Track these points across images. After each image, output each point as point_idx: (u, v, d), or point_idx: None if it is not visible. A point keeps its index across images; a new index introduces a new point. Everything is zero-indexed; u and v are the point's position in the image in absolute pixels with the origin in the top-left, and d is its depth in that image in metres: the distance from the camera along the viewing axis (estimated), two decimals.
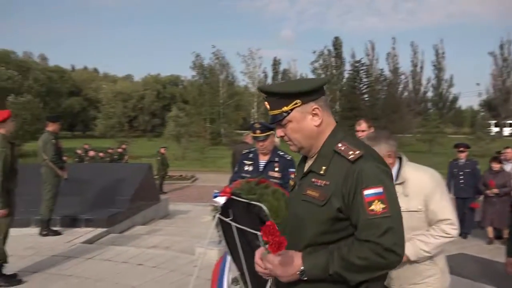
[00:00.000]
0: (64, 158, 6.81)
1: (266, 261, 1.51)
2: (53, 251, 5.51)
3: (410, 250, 2.19)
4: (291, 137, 1.58)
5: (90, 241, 6.12)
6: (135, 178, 8.27)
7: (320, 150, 1.56)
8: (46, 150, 6.24)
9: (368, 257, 1.37)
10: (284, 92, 1.54)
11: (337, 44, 50.87)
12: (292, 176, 3.31)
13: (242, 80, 55.58)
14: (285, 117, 1.54)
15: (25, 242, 5.76)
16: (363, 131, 4.38)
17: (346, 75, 50.33)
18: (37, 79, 34.54)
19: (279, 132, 1.60)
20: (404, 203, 2.23)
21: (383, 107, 42.60)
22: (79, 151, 16.49)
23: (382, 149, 2.23)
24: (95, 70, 75.55)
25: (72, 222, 6.77)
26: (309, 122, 1.54)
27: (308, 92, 1.53)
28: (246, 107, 46.12)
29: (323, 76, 45.99)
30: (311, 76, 47.04)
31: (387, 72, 49.93)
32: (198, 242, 5.65)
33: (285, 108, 1.53)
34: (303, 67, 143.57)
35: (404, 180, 2.27)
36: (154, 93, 56.79)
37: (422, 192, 2.23)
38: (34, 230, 6.38)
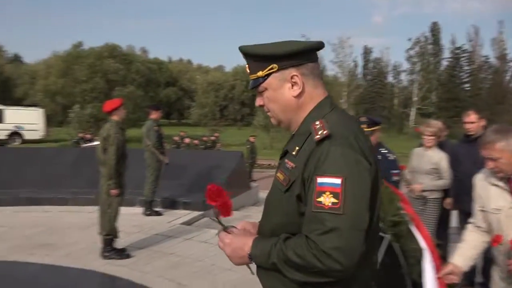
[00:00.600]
0: (165, 144, 7.28)
1: (219, 239, 1.40)
2: (155, 230, 5.95)
3: None
4: (268, 107, 1.39)
5: (187, 223, 6.50)
6: (228, 165, 8.58)
7: (300, 126, 1.35)
8: (149, 137, 6.73)
9: (304, 255, 1.16)
10: (258, 54, 1.34)
11: (435, 29, 47.66)
12: (395, 177, 3.20)
13: (331, 70, 54.45)
14: (261, 83, 1.35)
15: (131, 220, 6.29)
16: (472, 122, 4.05)
17: (444, 63, 47.01)
18: (139, 71, 37.23)
19: (258, 100, 1.41)
20: None
21: (487, 97, 39.12)
22: (176, 138, 17.51)
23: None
24: (189, 62, 79.39)
25: (172, 204, 7.25)
26: (287, 92, 1.33)
27: (286, 56, 1.30)
28: (335, 97, 45.22)
29: (419, 64, 43.39)
30: (406, 65, 44.69)
31: (492, 59, 45.65)
32: None
33: (260, 73, 1.34)
34: (397, 55, 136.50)
35: None
36: (243, 83, 58.11)
37: None
38: (139, 210, 6.94)
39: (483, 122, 4.09)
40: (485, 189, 2.19)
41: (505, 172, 2.07)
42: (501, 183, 2.11)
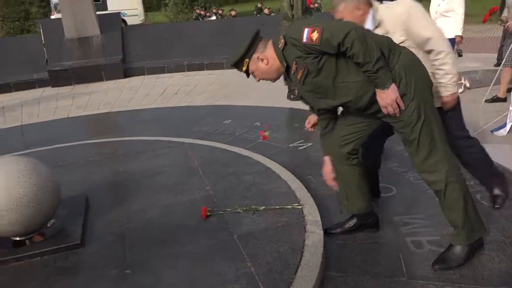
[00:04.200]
0: None
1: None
2: None
3: None
4: (261, 77, 2.18)
5: None
6: None
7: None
8: None
9: (353, 52, 1.91)
10: (234, 63, 2.15)
11: None
12: None
13: None
14: (248, 72, 2.17)
15: None
16: None
17: None
18: None
19: (255, 79, 2.20)
20: None
21: None
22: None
23: (351, 2, 2.28)
24: None
25: None
26: (263, 66, 2.11)
27: (246, 52, 2.10)
28: None
29: None
30: None
31: None
32: None
33: (244, 69, 2.15)
34: None
35: (379, 22, 2.31)
36: None
37: (398, 22, 2.27)
38: None
39: None
40: None
41: None
42: None
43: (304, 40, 1.93)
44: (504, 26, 4.77)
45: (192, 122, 4.94)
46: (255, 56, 2.12)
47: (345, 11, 2.35)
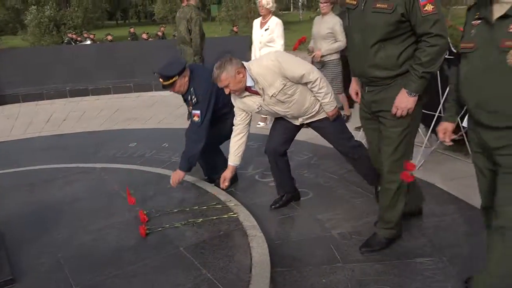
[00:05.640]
0: None
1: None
2: None
3: None
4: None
5: None
6: None
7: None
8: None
9: (430, 51, 2.01)
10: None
11: None
12: (196, 118, 3.11)
13: None
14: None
15: None
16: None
17: None
18: None
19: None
20: (268, 97, 2.69)
21: None
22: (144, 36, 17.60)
23: (231, 70, 2.60)
24: None
25: None
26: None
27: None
28: None
29: None
30: None
31: None
32: None
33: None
34: None
35: (255, 78, 2.65)
36: None
37: (275, 73, 2.62)
38: None
39: None
40: None
41: (239, 91, 2.71)
42: None
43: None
44: (310, 55, 5.10)
45: (95, 148, 4.74)
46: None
47: (229, 78, 2.61)
